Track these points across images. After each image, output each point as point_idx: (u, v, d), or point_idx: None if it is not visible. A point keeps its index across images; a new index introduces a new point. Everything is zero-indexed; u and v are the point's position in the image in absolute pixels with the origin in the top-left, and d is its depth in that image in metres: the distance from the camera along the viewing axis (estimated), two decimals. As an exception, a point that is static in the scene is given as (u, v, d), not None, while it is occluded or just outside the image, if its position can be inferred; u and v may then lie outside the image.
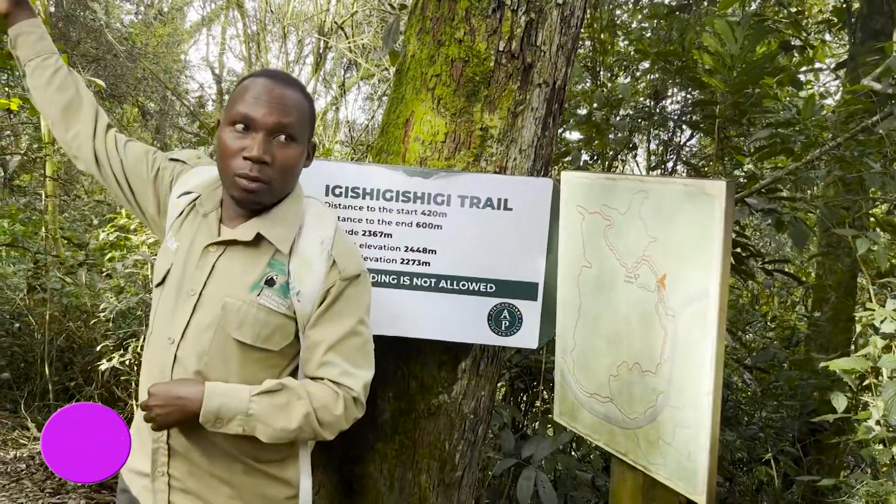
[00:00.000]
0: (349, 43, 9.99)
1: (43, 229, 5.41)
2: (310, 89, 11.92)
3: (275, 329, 1.44)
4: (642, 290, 1.57)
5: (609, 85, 4.71)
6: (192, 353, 1.43)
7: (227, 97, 14.64)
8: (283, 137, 1.39)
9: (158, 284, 1.52)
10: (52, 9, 8.21)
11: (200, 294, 1.44)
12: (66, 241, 5.49)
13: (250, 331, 1.42)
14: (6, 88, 4.77)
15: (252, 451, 1.47)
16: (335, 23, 10.10)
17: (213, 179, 1.55)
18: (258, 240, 1.45)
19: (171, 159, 1.65)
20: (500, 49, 2.04)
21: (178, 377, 1.43)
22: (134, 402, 3.86)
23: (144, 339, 1.65)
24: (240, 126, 1.38)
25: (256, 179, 1.38)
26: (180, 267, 1.47)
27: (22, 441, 4.14)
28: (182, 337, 1.43)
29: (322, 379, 1.46)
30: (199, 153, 1.69)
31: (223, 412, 1.35)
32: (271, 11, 11.02)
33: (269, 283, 1.44)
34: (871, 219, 3.95)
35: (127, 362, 3.75)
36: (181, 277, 1.47)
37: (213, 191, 1.52)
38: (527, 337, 2.06)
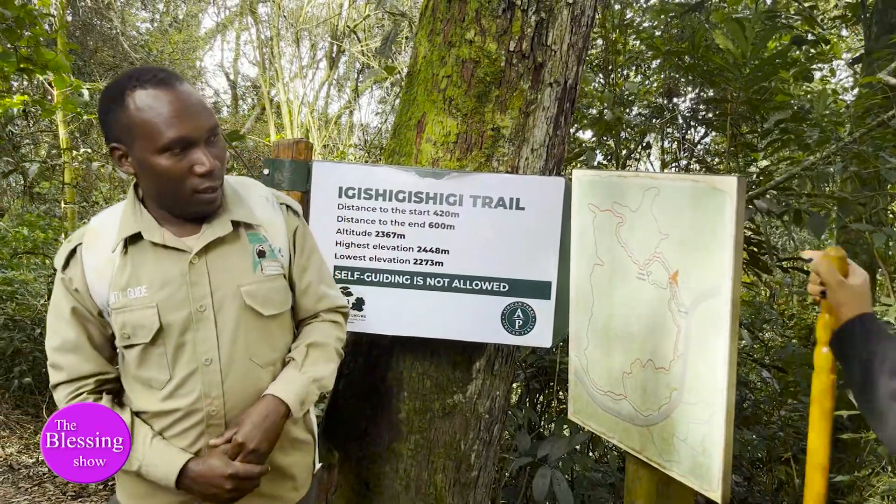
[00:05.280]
0: (362, 46, 10.03)
1: (62, 235, 5.48)
2: (323, 93, 11.98)
3: (284, 290, 1.55)
4: (655, 287, 1.57)
5: (621, 83, 4.69)
6: (235, 357, 1.45)
7: (240, 103, 14.73)
8: (213, 137, 1.39)
9: (153, 340, 1.41)
10: (70, 18, 8.32)
11: (213, 304, 1.44)
12: (85, 247, 5.54)
13: (273, 302, 1.51)
14: (27, 95, 4.84)
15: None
16: (348, 27, 10.15)
17: (126, 214, 1.46)
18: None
19: (73, 290, 1.45)
20: (511, 49, 2.05)
21: (233, 387, 1.45)
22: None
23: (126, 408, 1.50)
24: (176, 149, 1.33)
25: (214, 188, 1.39)
26: (170, 299, 1.41)
27: (44, 444, 4.19)
28: (219, 350, 1.44)
29: (317, 315, 1.63)
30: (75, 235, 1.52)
31: (302, 396, 1.48)
32: (284, 17, 11.09)
33: (261, 255, 1.50)
34: (890, 214, 3.91)
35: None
36: (177, 307, 1.42)
37: (138, 218, 1.44)
38: (540, 336, 2.06)
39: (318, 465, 1.70)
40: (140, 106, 1.31)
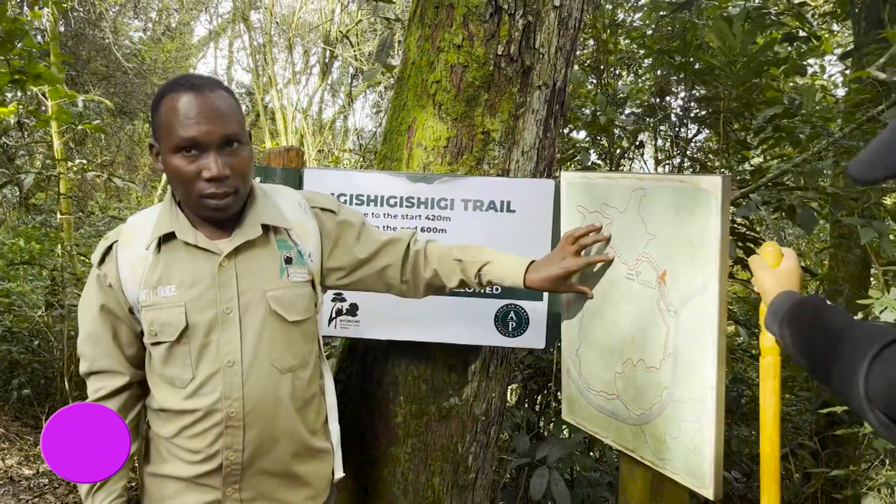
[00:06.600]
0: (355, 51, 10.05)
1: (59, 246, 5.48)
2: (317, 99, 11.99)
3: (309, 297, 1.56)
4: (643, 287, 1.58)
5: (613, 84, 4.71)
6: (258, 360, 1.46)
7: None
8: (233, 145, 1.40)
9: (179, 338, 1.44)
10: (62, 28, 8.33)
11: (239, 306, 1.45)
12: (82, 258, 5.55)
13: (298, 308, 1.52)
14: (21, 105, 4.85)
15: (309, 425, 1.57)
16: (340, 32, 10.16)
17: (162, 214, 1.50)
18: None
19: (107, 286, 1.50)
20: (499, 53, 2.06)
21: (252, 390, 1.45)
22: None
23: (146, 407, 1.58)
24: (188, 150, 1.36)
25: (224, 195, 1.40)
26: (198, 300, 1.44)
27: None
28: (242, 353, 1.45)
29: (408, 249, 1.70)
30: (111, 233, 1.56)
31: None
32: (277, 23, 11.11)
33: (288, 261, 1.53)
34: (882, 209, 3.92)
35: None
36: (205, 307, 1.44)
37: (174, 219, 1.47)
38: (534, 337, 2.07)
39: (338, 475, 1.69)
40: (169, 107, 1.37)
